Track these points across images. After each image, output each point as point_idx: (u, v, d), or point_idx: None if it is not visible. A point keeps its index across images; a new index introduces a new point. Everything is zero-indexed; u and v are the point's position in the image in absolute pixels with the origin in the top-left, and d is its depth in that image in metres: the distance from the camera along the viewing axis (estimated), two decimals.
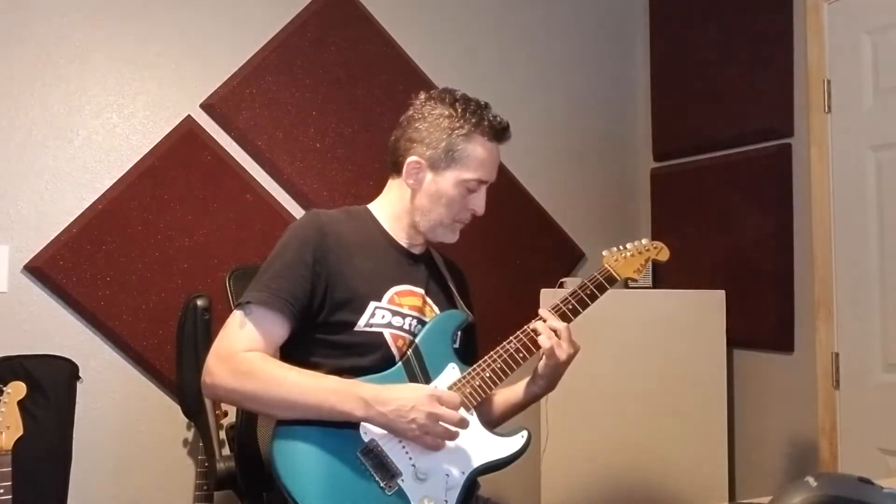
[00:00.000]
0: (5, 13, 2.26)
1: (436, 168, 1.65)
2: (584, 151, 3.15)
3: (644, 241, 1.82)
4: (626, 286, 2.97)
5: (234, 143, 2.54)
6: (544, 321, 1.62)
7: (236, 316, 1.55)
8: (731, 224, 2.82)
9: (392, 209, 1.72)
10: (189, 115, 2.48)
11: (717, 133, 2.88)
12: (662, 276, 3.02)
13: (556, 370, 1.64)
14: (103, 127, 2.38)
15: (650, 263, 1.82)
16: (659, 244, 1.84)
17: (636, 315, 2.67)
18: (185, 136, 2.46)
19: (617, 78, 3.24)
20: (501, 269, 2.92)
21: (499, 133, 1.67)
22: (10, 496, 1.89)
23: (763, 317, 2.69)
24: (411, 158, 1.65)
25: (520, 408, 1.73)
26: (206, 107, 2.50)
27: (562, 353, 1.60)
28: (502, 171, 2.89)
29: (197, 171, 2.47)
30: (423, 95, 1.71)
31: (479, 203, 1.68)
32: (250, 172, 2.56)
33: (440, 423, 1.46)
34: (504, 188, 2.97)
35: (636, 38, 3.26)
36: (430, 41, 2.86)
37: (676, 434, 2.62)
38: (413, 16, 2.84)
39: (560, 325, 1.62)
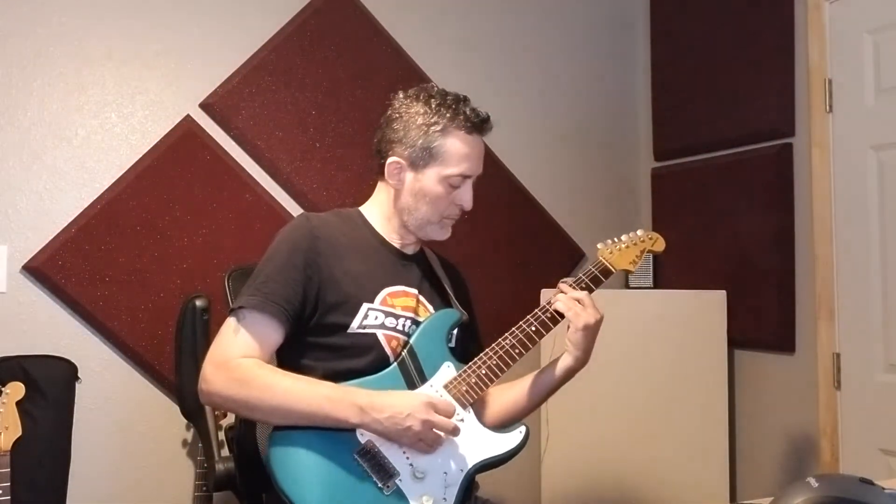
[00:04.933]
0: (4, 12, 2.26)
1: (416, 167, 1.63)
2: (584, 151, 3.14)
3: (639, 232, 1.80)
4: (627, 286, 2.98)
5: (234, 143, 2.54)
6: (564, 294, 1.64)
7: (230, 322, 1.54)
8: (732, 224, 2.81)
9: (382, 210, 1.71)
10: (188, 115, 2.47)
11: (718, 133, 2.87)
12: (663, 277, 3.02)
13: (587, 338, 1.64)
14: (102, 126, 2.37)
15: (649, 257, 1.79)
16: (654, 234, 1.82)
17: (637, 315, 2.67)
18: (185, 136, 2.46)
19: (617, 77, 3.23)
20: (501, 269, 2.91)
21: (476, 125, 1.64)
22: (8, 497, 1.89)
23: (764, 317, 2.68)
24: (391, 160, 1.65)
25: (557, 386, 1.69)
26: (206, 106, 2.50)
27: (589, 318, 1.61)
28: (502, 170, 2.95)
29: (196, 171, 2.46)
30: (400, 94, 1.69)
31: (465, 198, 1.65)
32: (249, 172, 2.56)
33: (434, 430, 1.47)
34: (504, 188, 2.99)
35: (637, 38, 3.25)
36: (431, 41, 2.85)
37: (677, 434, 2.61)
38: (413, 15, 2.83)
39: (581, 293, 1.64)
